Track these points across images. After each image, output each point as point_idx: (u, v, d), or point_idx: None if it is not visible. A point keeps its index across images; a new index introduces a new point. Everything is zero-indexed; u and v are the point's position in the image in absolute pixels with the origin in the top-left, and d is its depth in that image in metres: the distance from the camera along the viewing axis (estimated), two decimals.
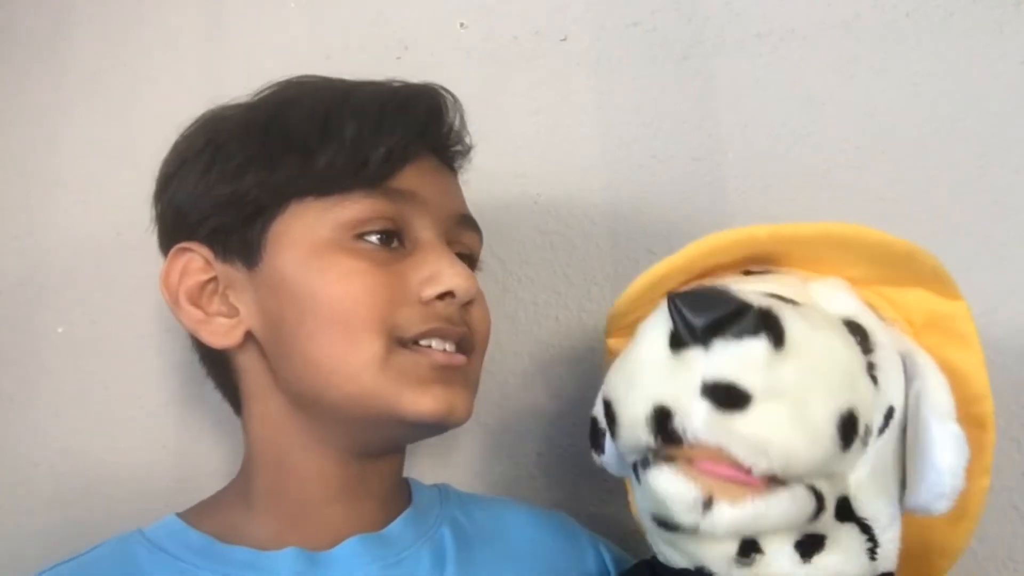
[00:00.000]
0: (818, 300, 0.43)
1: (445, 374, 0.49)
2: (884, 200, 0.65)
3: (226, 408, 0.56)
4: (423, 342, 0.48)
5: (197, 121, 0.54)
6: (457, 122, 0.55)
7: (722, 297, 0.37)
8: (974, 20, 0.65)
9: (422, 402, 0.47)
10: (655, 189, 0.69)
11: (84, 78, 0.79)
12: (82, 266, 0.75)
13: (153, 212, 0.55)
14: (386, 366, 0.47)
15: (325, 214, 0.48)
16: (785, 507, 0.37)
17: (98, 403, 0.73)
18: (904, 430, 0.41)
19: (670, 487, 0.38)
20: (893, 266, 0.43)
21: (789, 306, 0.39)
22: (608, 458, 0.50)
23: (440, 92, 0.53)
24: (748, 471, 0.37)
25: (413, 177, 0.50)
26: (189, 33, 0.78)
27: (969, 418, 0.41)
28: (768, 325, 0.37)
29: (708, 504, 0.37)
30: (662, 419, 0.38)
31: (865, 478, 0.40)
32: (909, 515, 0.43)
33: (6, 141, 0.79)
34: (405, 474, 0.57)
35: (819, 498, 0.38)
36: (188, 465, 0.70)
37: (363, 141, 0.48)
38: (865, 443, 0.39)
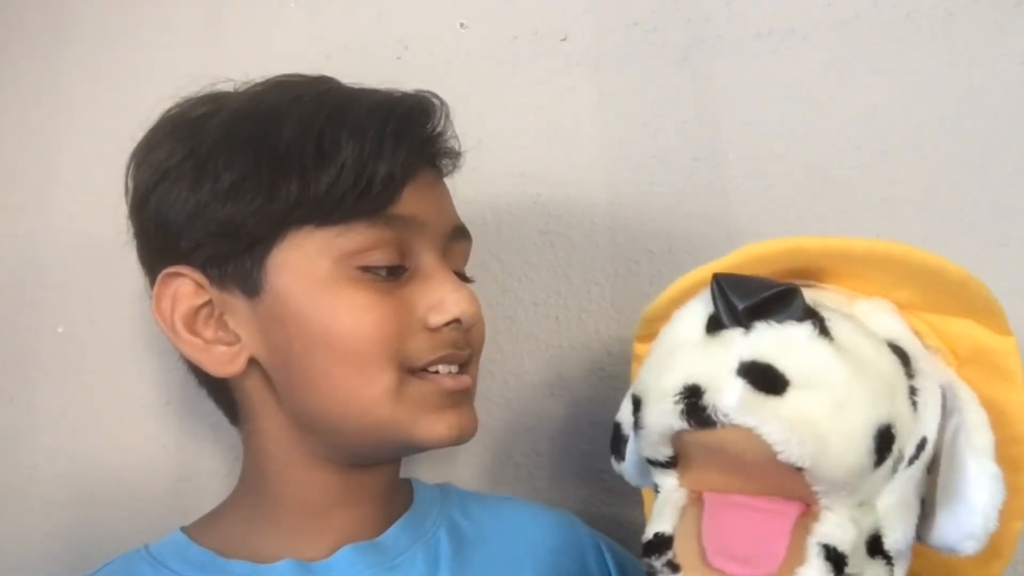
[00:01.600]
0: (863, 319, 0.41)
1: (454, 398, 0.49)
2: (884, 200, 0.65)
3: None
4: (431, 368, 0.49)
5: (167, 123, 0.51)
6: (449, 129, 0.54)
7: (769, 282, 0.36)
8: (974, 20, 0.65)
9: (436, 429, 0.48)
10: (655, 189, 0.69)
11: (84, 78, 0.79)
12: (82, 266, 0.75)
13: (131, 228, 0.52)
14: (400, 397, 0.47)
15: (328, 244, 0.47)
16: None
17: (98, 403, 0.73)
18: (931, 464, 0.39)
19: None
20: (944, 292, 0.41)
21: (837, 315, 0.37)
22: (628, 466, 0.48)
23: (433, 101, 0.52)
24: (778, 498, 0.35)
25: (412, 198, 0.49)
26: (189, 33, 0.78)
27: (1006, 459, 0.39)
28: (814, 316, 0.35)
29: None
30: (693, 397, 0.35)
31: (893, 509, 0.38)
32: (936, 554, 0.41)
33: (5, 141, 0.79)
34: (406, 474, 0.57)
35: (839, 565, 0.35)
36: (188, 465, 0.70)
37: (363, 164, 0.47)
38: (895, 468, 0.37)
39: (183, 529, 0.51)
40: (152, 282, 0.50)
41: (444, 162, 0.55)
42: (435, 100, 0.52)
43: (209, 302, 0.49)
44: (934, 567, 0.41)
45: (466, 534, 0.54)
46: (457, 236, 0.53)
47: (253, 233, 0.47)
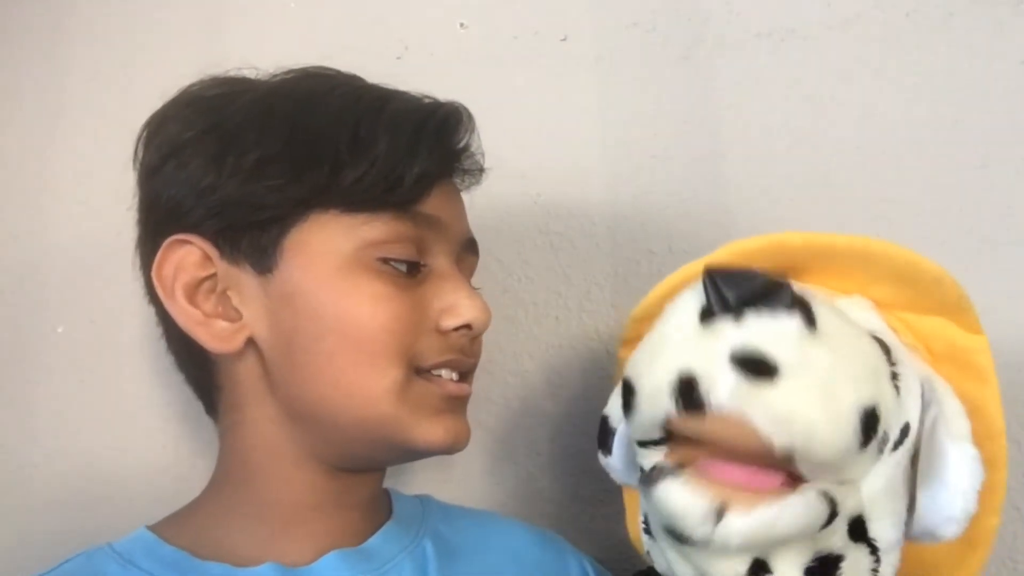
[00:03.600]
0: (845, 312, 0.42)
1: (453, 404, 0.49)
2: (884, 200, 0.65)
3: None
4: (435, 371, 0.49)
5: (187, 98, 0.51)
6: (476, 145, 0.54)
7: (758, 273, 0.37)
8: (974, 20, 0.65)
9: (434, 432, 0.47)
10: (655, 189, 0.69)
11: (84, 78, 0.79)
12: (82, 266, 0.75)
13: (138, 196, 0.51)
14: (405, 395, 0.46)
15: (351, 231, 0.46)
16: (798, 512, 0.36)
17: (98, 403, 0.73)
18: (916, 455, 0.40)
19: (681, 500, 0.37)
20: (919, 290, 0.42)
21: (822, 303, 0.39)
22: (614, 460, 0.49)
23: (465, 113, 0.52)
24: (762, 468, 0.36)
25: (437, 201, 0.49)
26: (189, 33, 0.78)
27: (982, 456, 0.40)
28: (802, 305, 0.36)
29: (720, 514, 0.36)
30: (687, 387, 0.36)
31: (879, 494, 0.39)
32: (912, 553, 0.42)
33: (6, 140, 0.79)
34: (405, 476, 0.57)
35: (832, 505, 0.37)
36: (188, 465, 0.70)
37: (397, 160, 0.47)
38: (881, 449, 0.38)
39: (149, 528, 0.49)
40: (148, 251, 0.49)
41: (466, 176, 0.55)
42: (467, 114, 0.52)
43: (213, 275, 0.47)
44: (910, 566, 0.42)
45: (452, 545, 0.53)
46: (469, 248, 0.54)
47: (273, 209, 0.46)
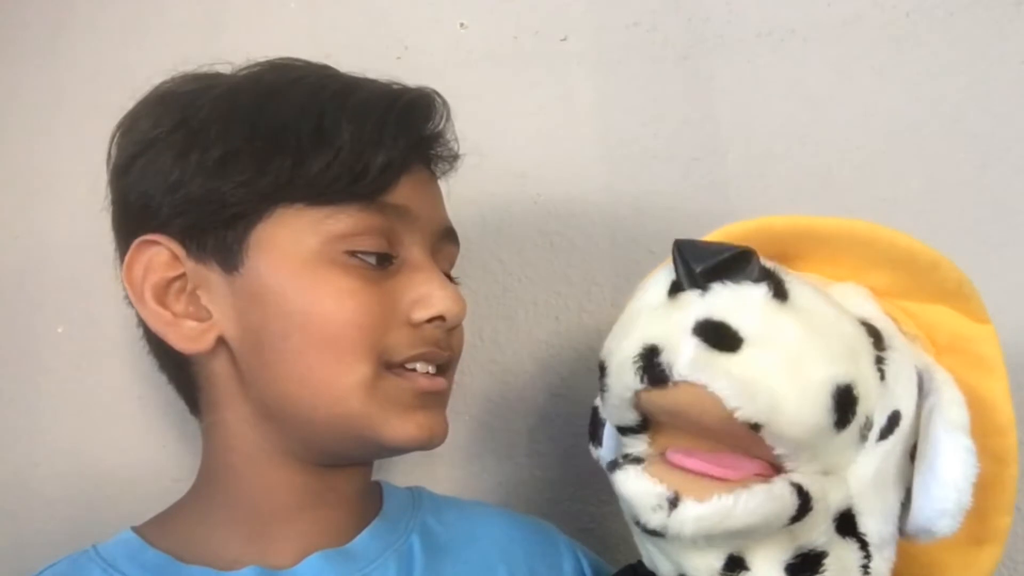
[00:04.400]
0: (837, 299, 0.41)
1: (427, 399, 0.48)
2: (884, 200, 0.65)
3: None
4: (408, 365, 0.47)
5: (157, 95, 0.50)
6: (449, 131, 0.53)
7: (727, 246, 0.36)
8: (974, 20, 0.65)
9: (406, 429, 0.46)
10: (655, 189, 0.69)
11: (84, 78, 0.79)
12: (82, 266, 0.75)
13: (109, 195, 0.51)
14: (374, 391, 0.45)
15: (316, 225, 0.46)
16: (759, 502, 0.35)
17: (98, 403, 0.72)
18: (912, 447, 0.39)
19: (636, 486, 0.36)
20: (915, 274, 0.41)
21: (798, 276, 0.38)
22: (605, 451, 0.49)
23: (435, 98, 0.51)
24: (735, 457, 0.35)
25: (406, 190, 0.48)
26: (189, 33, 0.78)
27: (988, 451, 0.38)
28: (772, 278, 0.36)
29: (674, 502, 0.35)
30: (649, 356, 0.36)
31: (867, 486, 0.37)
32: (922, 553, 0.40)
33: (5, 140, 0.79)
34: (402, 474, 0.56)
35: (804, 498, 0.35)
36: (187, 465, 0.70)
37: (361, 150, 0.46)
38: (864, 436, 0.37)
39: (134, 529, 0.48)
40: (124, 251, 0.49)
41: (441, 163, 0.54)
42: (437, 99, 0.51)
43: (183, 275, 0.47)
44: (915, 567, 0.41)
45: (440, 540, 0.52)
46: (447, 237, 0.53)
47: (238, 205, 0.46)
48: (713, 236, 0.43)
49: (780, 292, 0.36)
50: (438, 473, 0.67)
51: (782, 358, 0.35)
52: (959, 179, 0.64)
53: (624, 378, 0.37)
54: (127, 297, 0.49)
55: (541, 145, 0.71)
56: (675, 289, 0.37)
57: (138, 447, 0.72)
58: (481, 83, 0.72)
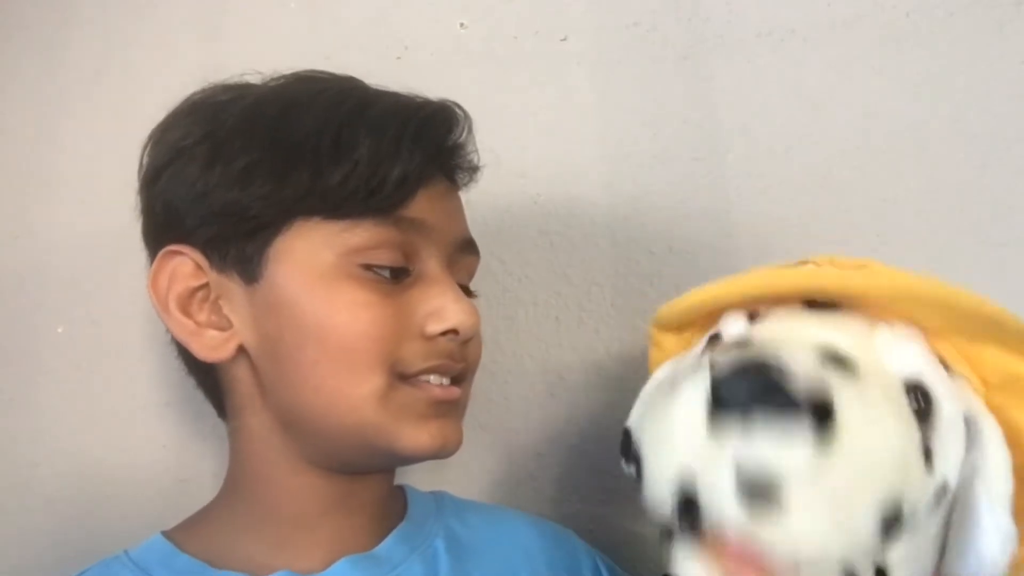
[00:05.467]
0: (882, 353, 0.38)
1: (441, 409, 0.48)
2: (884, 200, 0.65)
3: None
4: (422, 377, 0.48)
5: (188, 106, 0.51)
6: (469, 143, 0.53)
7: (772, 382, 0.34)
8: (974, 20, 0.65)
9: (419, 438, 0.47)
10: (655, 189, 0.69)
11: (84, 78, 0.79)
12: (82, 266, 0.75)
13: (139, 204, 0.52)
14: (387, 401, 0.46)
15: (333, 238, 0.46)
16: None
17: (98, 403, 0.73)
18: (955, 501, 0.38)
19: (690, 572, 0.36)
20: (975, 327, 0.39)
21: (847, 385, 0.35)
22: None
23: (456, 112, 0.52)
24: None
25: (423, 203, 0.48)
26: (189, 33, 0.78)
27: None
28: (819, 415, 0.34)
29: None
30: (687, 504, 0.35)
31: (907, 552, 0.36)
32: None
33: (6, 140, 0.79)
34: (403, 476, 0.56)
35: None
36: (188, 465, 0.70)
37: (378, 163, 0.46)
38: (910, 528, 0.36)
39: (165, 534, 0.49)
40: (153, 259, 0.50)
41: (460, 175, 0.55)
42: (459, 112, 0.52)
43: (206, 285, 0.48)
44: None
45: (464, 544, 0.53)
46: (465, 249, 0.53)
47: (258, 217, 0.46)
48: (755, 281, 0.41)
49: (828, 432, 0.33)
50: (438, 473, 0.67)
51: (828, 507, 0.33)
52: (959, 179, 0.64)
53: (662, 507, 0.37)
54: (153, 306, 0.49)
55: (541, 145, 0.71)
56: (713, 411, 0.35)
57: (138, 447, 0.72)
58: (481, 83, 0.72)
